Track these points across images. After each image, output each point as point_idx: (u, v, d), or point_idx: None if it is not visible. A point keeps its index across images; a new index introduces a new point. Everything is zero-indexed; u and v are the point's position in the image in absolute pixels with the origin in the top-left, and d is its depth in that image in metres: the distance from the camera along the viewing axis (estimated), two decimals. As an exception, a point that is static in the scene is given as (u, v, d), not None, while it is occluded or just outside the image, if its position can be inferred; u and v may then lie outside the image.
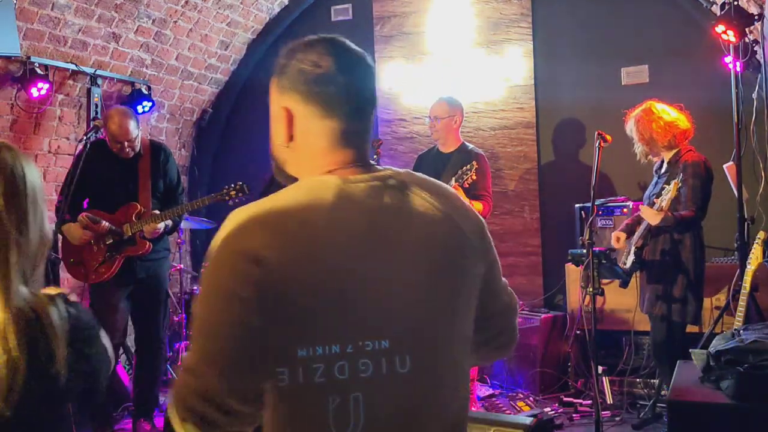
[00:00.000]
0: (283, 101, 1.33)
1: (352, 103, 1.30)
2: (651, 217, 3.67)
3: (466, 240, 1.32)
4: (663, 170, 4.00)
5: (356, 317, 1.20)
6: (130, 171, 4.21)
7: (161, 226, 4.11)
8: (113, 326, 4.13)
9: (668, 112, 3.95)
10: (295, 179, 1.36)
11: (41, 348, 1.26)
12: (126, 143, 4.11)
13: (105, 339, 1.42)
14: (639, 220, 4.08)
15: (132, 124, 4.13)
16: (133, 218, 4.12)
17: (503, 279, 1.47)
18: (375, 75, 1.38)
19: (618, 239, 4.05)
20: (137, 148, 4.21)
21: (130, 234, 4.10)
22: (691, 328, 3.95)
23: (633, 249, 3.93)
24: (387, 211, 1.26)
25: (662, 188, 3.78)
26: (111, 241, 4.09)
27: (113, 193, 4.17)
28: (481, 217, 1.40)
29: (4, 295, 1.28)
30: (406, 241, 1.25)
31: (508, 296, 1.48)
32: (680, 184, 3.62)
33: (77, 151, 4.15)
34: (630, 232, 4.08)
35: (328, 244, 1.19)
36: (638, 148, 4.09)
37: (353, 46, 1.35)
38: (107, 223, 4.07)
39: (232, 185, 4.21)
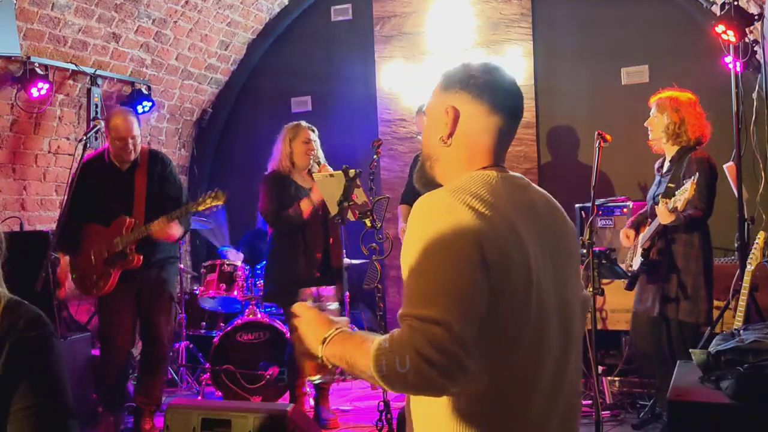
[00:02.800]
0: (449, 101, 1.51)
1: (512, 106, 1.52)
2: (664, 216, 3.62)
3: (576, 238, 1.60)
4: (665, 168, 3.96)
5: (541, 294, 1.38)
6: (126, 182, 4.18)
7: (177, 232, 4.11)
8: (121, 331, 4.14)
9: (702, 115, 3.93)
10: (435, 183, 1.53)
11: None
12: (129, 140, 4.09)
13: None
14: (645, 217, 4.06)
15: (135, 122, 4.14)
16: (123, 232, 4.08)
17: None
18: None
19: (627, 236, 4.03)
20: (138, 150, 4.18)
21: (121, 248, 4.06)
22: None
23: (640, 251, 3.90)
24: (535, 205, 1.48)
25: (667, 187, 3.76)
26: (106, 255, 4.08)
27: (109, 206, 4.13)
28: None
29: None
30: (555, 232, 1.49)
31: (586, 292, 1.71)
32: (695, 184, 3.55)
33: (72, 173, 4.14)
34: (637, 228, 4.06)
35: (517, 224, 1.37)
36: (657, 123, 3.90)
37: None
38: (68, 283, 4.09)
39: (208, 193, 4.12)
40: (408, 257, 1.35)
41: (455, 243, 1.30)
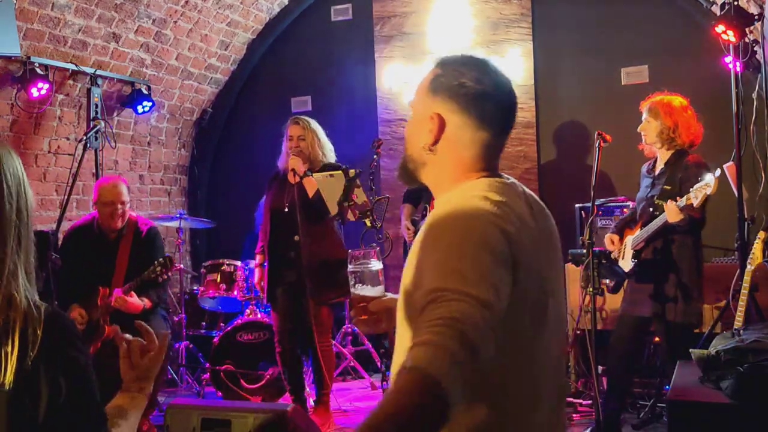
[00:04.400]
0: (436, 107, 1.42)
1: (502, 122, 1.45)
2: (673, 214, 3.60)
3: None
4: (658, 171, 3.94)
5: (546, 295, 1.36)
6: (110, 251, 4.19)
7: (138, 303, 4.07)
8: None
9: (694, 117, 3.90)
10: (419, 183, 1.51)
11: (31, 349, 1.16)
12: (118, 206, 4.12)
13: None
14: (627, 221, 4.05)
15: (124, 188, 4.18)
16: (99, 302, 4.07)
17: None
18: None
19: (612, 241, 4.00)
20: (126, 217, 4.20)
21: (95, 319, 4.05)
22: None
23: (632, 252, 3.88)
24: (533, 210, 1.41)
25: (663, 189, 3.74)
26: (83, 328, 4.03)
27: (92, 275, 4.12)
28: None
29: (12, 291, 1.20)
30: (552, 240, 1.46)
31: None
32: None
33: (66, 233, 4.20)
34: (621, 232, 4.04)
35: (527, 225, 1.35)
36: (651, 128, 3.86)
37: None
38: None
39: (157, 262, 4.08)
40: (430, 254, 1.26)
41: (484, 235, 1.24)
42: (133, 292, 4.05)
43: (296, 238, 4.14)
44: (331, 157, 4.32)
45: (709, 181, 3.43)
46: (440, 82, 1.43)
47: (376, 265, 1.63)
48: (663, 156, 3.91)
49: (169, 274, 4.14)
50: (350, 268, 1.64)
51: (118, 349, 1.48)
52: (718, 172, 3.48)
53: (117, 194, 4.12)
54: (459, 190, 1.38)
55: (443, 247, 1.24)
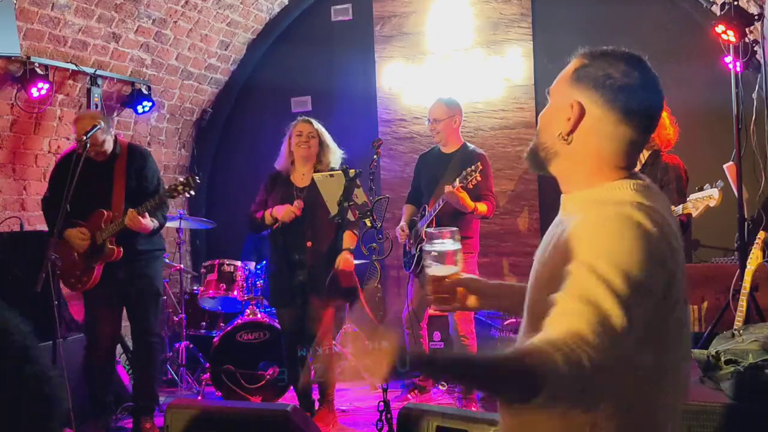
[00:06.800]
0: (577, 95, 1.38)
1: (647, 119, 1.38)
2: None
3: None
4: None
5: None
6: (105, 173, 4.13)
7: (150, 224, 4.07)
8: (105, 322, 4.13)
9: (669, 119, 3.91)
10: (546, 171, 1.46)
11: None
12: (97, 147, 4.03)
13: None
14: None
15: (98, 128, 4.01)
16: (102, 225, 4.05)
17: None
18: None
19: None
20: (108, 151, 4.13)
21: (101, 242, 4.03)
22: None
23: None
24: (671, 219, 1.36)
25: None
26: (86, 250, 4.05)
27: (87, 196, 4.04)
28: None
29: None
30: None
31: None
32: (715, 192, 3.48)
33: (57, 159, 4.06)
34: None
35: (675, 232, 1.33)
36: None
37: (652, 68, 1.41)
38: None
39: (179, 181, 4.07)
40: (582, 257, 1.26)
41: (652, 246, 1.24)
42: (146, 213, 4.03)
43: (309, 244, 4.15)
44: (336, 162, 4.31)
45: (712, 193, 3.44)
46: (586, 72, 1.38)
47: (452, 245, 1.66)
48: (641, 155, 3.90)
49: (192, 192, 4.10)
50: (426, 247, 1.68)
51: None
52: (720, 184, 3.47)
53: (93, 138, 3.97)
54: (604, 194, 1.36)
55: (602, 254, 1.23)
